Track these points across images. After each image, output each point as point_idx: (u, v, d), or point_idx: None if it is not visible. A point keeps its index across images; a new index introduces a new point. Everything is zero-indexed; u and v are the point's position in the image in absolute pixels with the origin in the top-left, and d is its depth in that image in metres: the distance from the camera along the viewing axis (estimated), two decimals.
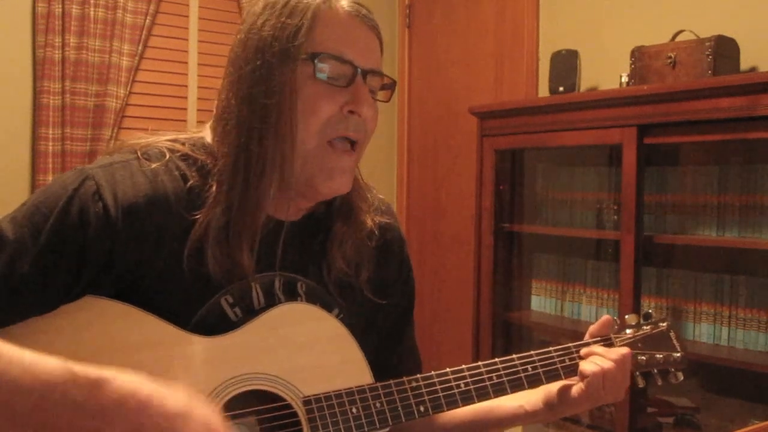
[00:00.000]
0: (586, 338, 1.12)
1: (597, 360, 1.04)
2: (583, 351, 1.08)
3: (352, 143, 0.95)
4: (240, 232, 0.90)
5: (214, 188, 0.91)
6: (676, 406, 2.17)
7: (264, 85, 0.90)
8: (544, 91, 2.80)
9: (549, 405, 1.08)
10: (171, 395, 0.75)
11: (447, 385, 0.98)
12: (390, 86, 0.99)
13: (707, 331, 2.11)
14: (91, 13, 2.74)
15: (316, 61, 0.90)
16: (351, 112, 0.92)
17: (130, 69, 2.86)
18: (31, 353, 0.73)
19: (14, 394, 0.71)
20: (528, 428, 2.51)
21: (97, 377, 0.72)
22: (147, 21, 2.90)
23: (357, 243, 1.03)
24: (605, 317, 1.13)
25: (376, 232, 1.06)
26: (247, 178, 0.90)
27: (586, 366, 1.04)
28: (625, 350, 1.06)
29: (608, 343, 1.11)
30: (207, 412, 0.76)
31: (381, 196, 1.13)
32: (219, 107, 0.95)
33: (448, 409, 0.98)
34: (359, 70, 0.92)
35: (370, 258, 1.05)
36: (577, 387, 1.04)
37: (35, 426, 0.72)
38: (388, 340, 1.12)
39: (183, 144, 0.95)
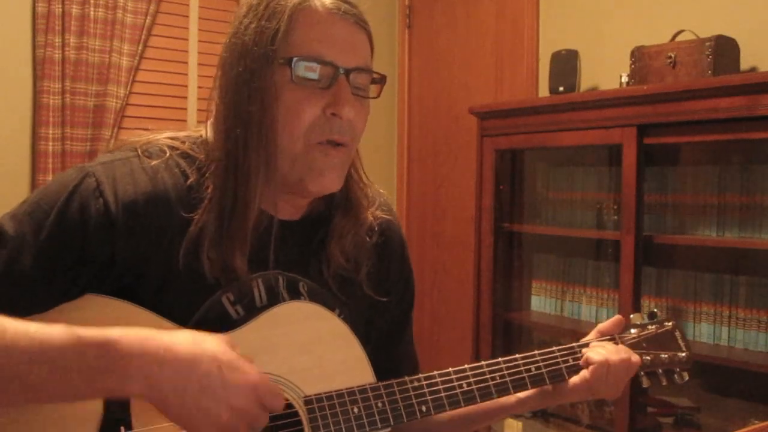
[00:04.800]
0: (595, 334, 1.12)
1: (604, 351, 1.04)
2: (592, 344, 1.08)
3: (339, 144, 0.93)
4: (232, 237, 0.90)
5: (209, 190, 0.91)
6: (676, 406, 2.17)
7: (247, 91, 0.90)
8: (544, 91, 2.79)
9: (542, 392, 1.08)
10: (177, 341, 0.77)
11: (449, 384, 0.98)
12: (380, 81, 0.97)
13: (707, 331, 2.11)
14: (91, 12, 2.73)
15: (293, 64, 0.88)
16: (333, 114, 0.91)
17: (130, 69, 2.86)
18: (35, 324, 0.75)
19: (26, 365, 0.72)
20: (528, 428, 2.51)
21: (103, 338, 0.74)
22: (147, 21, 2.90)
23: (356, 238, 1.02)
24: (618, 317, 1.14)
25: (376, 228, 1.06)
26: (236, 185, 0.90)
27: (593, 354, 1.04)
28: (635, 356, 1.07)
29: (613, 342, 1.10)
30: (216, 346, 0.78)
31: (382, 191, 1.13)
32: (212, 110, 0.95)
33: (450, 409, 0.98)
34: (341, 69, 0.91)
35: (369, 254, 1.05)
36: (580, 375, 1.04)
37: (53, 395, 0.74)
38: (386, 340, 1.12)
39: (183, 142, 0.96)
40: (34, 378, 0.72)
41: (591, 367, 1.03)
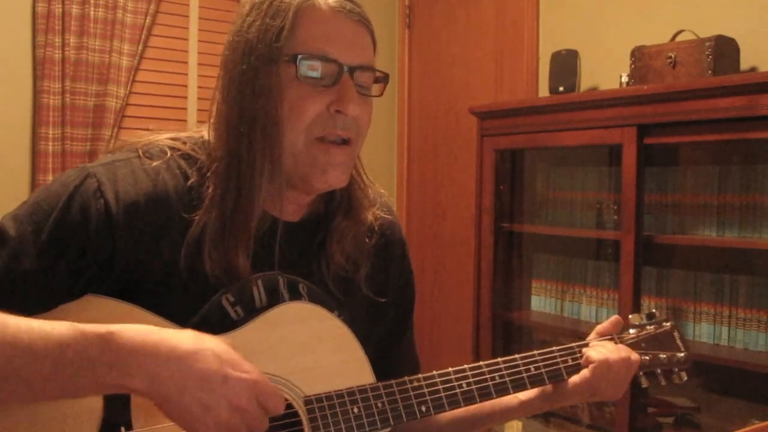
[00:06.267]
0: (593, 336, 1.12)
1: (604, 350, 1.05)
2: (592, 344, 1.08)
3: (344, 140, 0.93)
4: (235, 236, 0.90)
5: (210, 189, 0.91)
6: (676, 406, 2.17)
7: (250, 88, 0.90)
8: (544, 91, 2.80)
9: (544, 394, 1.08)
10: (179, 337, 0.77)
11: (449, 384, 0.98)
12: (383, 79, 0.98)
13: (707, 331, 2.11)
14: (91, 12, 2.74)
15: (298, 61, 0.89)
16: (338, 111, 0.91)
17: (130, 69, 2.86)
18: (37, 320, 0.75)
19: (28, 362, 0.72)
20: (528, 428, 2.51)
21: (105, 331, 0.74)
22: (147, 21, 2.90)
23: (356, 238, 1.02)
24: (615, 317, 1.14)
25: (377, 228, 1.06)
26: (239, 184, 0.90)
27: (594, 353, 1.04)
28: (635, 355, 1.07)
29: (612, 342, 1.11)
30: (216, 345, 0.78)
31: (382, 191, 1.13)
32: (214, 109, 0.95)
33: (449, 409, 0.98)
34: (345, 67, 0.91)
35: (368, 255, 1.05)
36: (580, 374, 1.04)
37: (55, 390, 0.74)
38: (386, 341, 1.12)
39: (184, 143, 0.96)
40: (36, 374, 0.72)
41: (591, 366, 1.03)
